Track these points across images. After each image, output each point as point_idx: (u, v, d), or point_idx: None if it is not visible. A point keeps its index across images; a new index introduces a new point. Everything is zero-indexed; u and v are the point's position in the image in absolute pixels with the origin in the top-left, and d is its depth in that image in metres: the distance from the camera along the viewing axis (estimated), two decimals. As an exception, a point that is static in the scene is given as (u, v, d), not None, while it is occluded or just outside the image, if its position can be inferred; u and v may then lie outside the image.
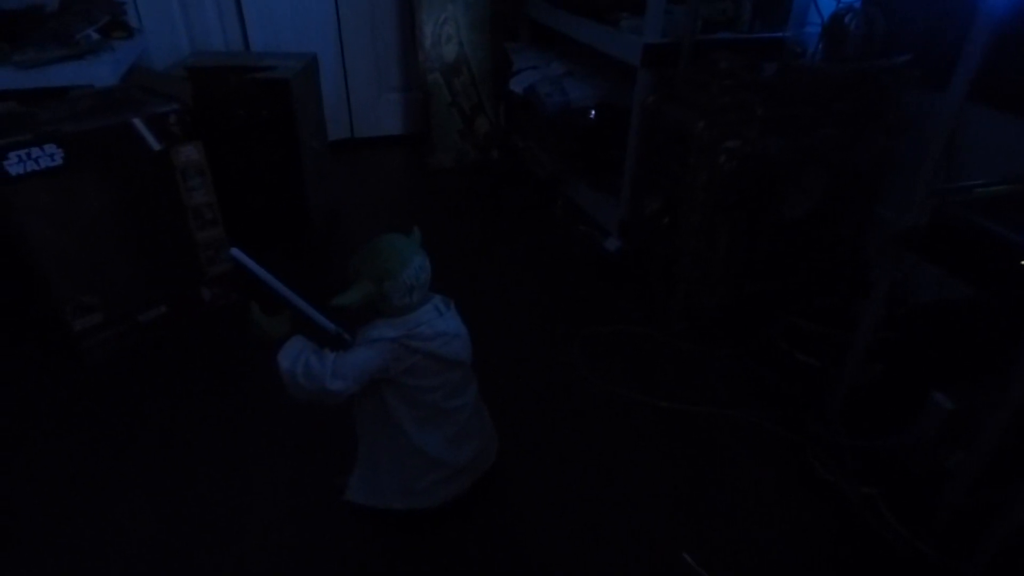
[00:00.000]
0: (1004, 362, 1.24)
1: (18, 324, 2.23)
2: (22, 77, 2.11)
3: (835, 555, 1.50)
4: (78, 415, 1.88)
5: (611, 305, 2.43)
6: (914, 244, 1.42)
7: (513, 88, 3.16)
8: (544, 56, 3.26)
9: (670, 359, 2.13)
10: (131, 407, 1.91)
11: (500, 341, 2.20)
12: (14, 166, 1.75)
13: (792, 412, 1.85)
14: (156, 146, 2.05)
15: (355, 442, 1.49)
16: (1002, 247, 1.27)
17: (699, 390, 1.99)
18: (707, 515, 1.59)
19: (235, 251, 1.21)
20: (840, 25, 2.02)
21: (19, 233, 1.86)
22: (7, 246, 1.97)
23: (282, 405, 1.79)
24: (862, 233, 2.26)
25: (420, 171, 3.68)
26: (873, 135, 2.10)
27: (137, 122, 1.99)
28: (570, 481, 1.68)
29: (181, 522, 1.55)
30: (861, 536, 1.53)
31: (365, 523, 1.50)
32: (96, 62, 2.25)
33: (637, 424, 1.87)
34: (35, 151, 1.78)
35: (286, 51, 3.20)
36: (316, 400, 1.29)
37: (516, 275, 2.63)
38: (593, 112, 2.89)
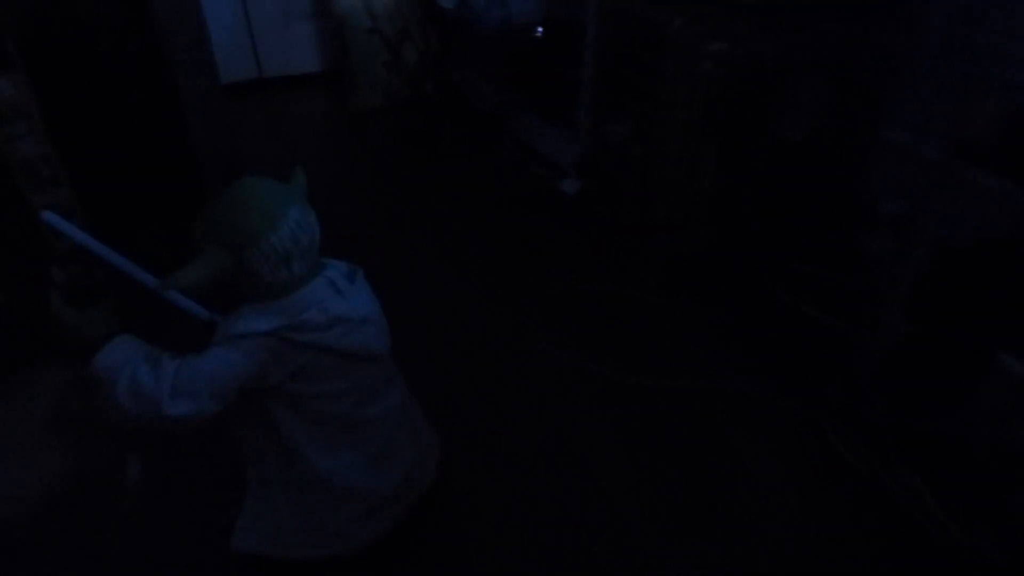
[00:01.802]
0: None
1: None
2: None
3: (871, 561, 1.21)
4: None
5: (573, 259, 2.09)
6: (982, 155, 1.04)
7: (443, 4, 2.78)
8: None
9: (648, 322, 1.80)
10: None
11: (439, 312, 1.86)
12: None
13: (805, 381, 1.52)
14: (-51, 79, 1.51)
15: (240, 470, 1.15)
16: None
17: (686, 360, 1.66)
18: (709, 521, 1.28)
19: (47, 215, 0.93)
20: None
21: None
22: None
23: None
24: (867, 158, 1.90)
25: (343, 113, 3.26)
26: (883, 31, 1.72)
27: (-91, 45, 1.44)
28: (537, 489, 1.35)
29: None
30: (903, 537, 1.23)
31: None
32: None
33: (613, 407, 1.54)
34: None
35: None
36: (157, 427, 0.95)
37: (458, 229, 2.27)
38: (540, 28, 2.54)
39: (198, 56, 2.31)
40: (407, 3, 3.09)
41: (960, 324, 1.33)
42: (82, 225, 0.97)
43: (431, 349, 1.68)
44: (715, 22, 1.56)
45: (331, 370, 1.02)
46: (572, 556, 1.23)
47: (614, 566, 1.21)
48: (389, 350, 1.12)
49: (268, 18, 3.28)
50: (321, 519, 1.11)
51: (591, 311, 1.84)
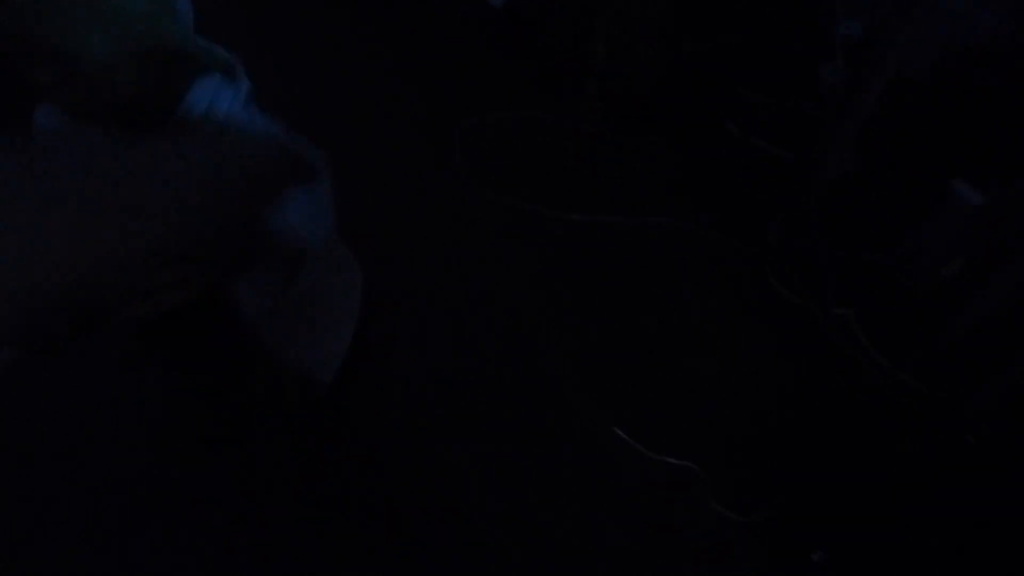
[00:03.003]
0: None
1: None
2: None
3: (801, 391, 1.20)
4: None
5: (500, 84, 1.83)
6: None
7: None
8: None
9: (583, 155, 1.63)
10: None
11: (347, 145, 1.57)
12: None
13: (748, 217, 1.43)
14: None
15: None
16: None
17: (624, 195, 1.52)
18: (644, 364, 1.22)
19: None
20: None
21: None
22: None
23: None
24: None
25: None
26: None
27: None
28: (458, 340, 1.23)
29: None
30: (834, 368, 1.22)
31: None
32: None
33: (543, 245, 1.41)
34: None
35: None
36: None
37: (365, 48, 1.93)
38: None
39: None
40: None
41: (912, 157, 1.25)
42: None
43: (341, 189, 1.47)
44: None
45: None
46: (490, 396, 1.16)
47: (534, 404, 1.16)
48: None
49: None
50: None
51: (521, 144, 1.65)
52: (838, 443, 1.13)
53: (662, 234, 1.43)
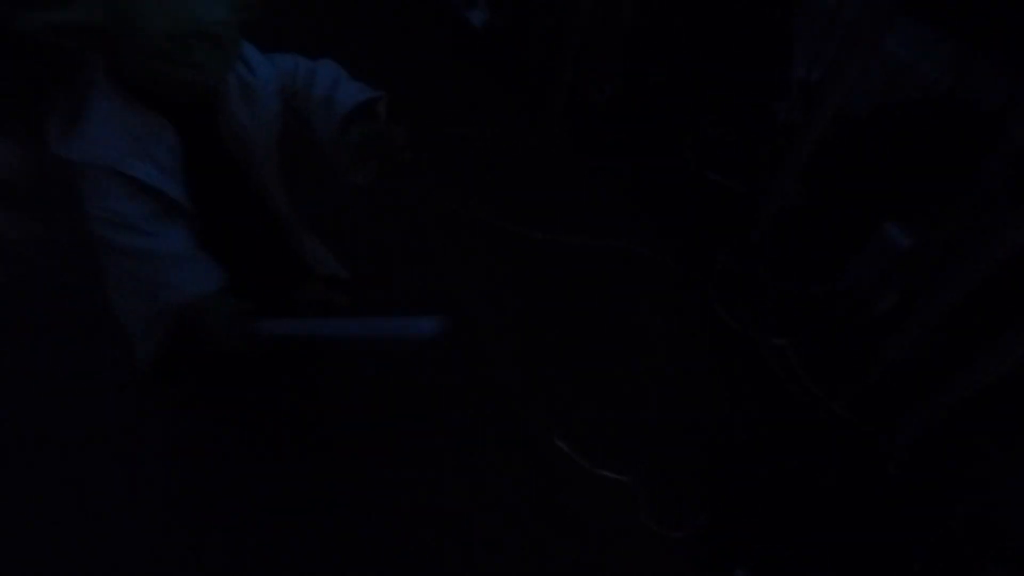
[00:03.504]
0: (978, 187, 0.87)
1: None
2: None
3: (737, 419, 1.24)
4: None
5: (474, 98, 1.89)
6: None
7: None
8: None
9: (548, 172, 1.69)
10: None
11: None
12: None
13: (700, 247, 1.48)
14: None
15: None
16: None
17: (582, 216, 1.58)
18: (587, 379, 1.26)
19: (263, 326, 0.82)
20: None
21: None
22: None
23: None
24: (789, 21, 1.77)
25: None
26: None
27: None
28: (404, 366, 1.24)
29: None
30: (769, 395, 1.27)
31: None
32: None
33: (502, 259, 1.46)
34: None
35: None
36: None
37: (350, 56, 1.90)
38: None
39: None
40: None
41: (850, 195, 1.31)
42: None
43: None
44: None
45: None
46: (438, 401, 1.19)
47: (485, 421, 1.18)
48: None
49: None
50: None
51: (488, 157, 1.69)
52: (767, 466, 1.18)
53: (615, 256, 1.47)
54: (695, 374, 1.29)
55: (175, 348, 0.90)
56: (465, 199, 1.54)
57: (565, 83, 1.66)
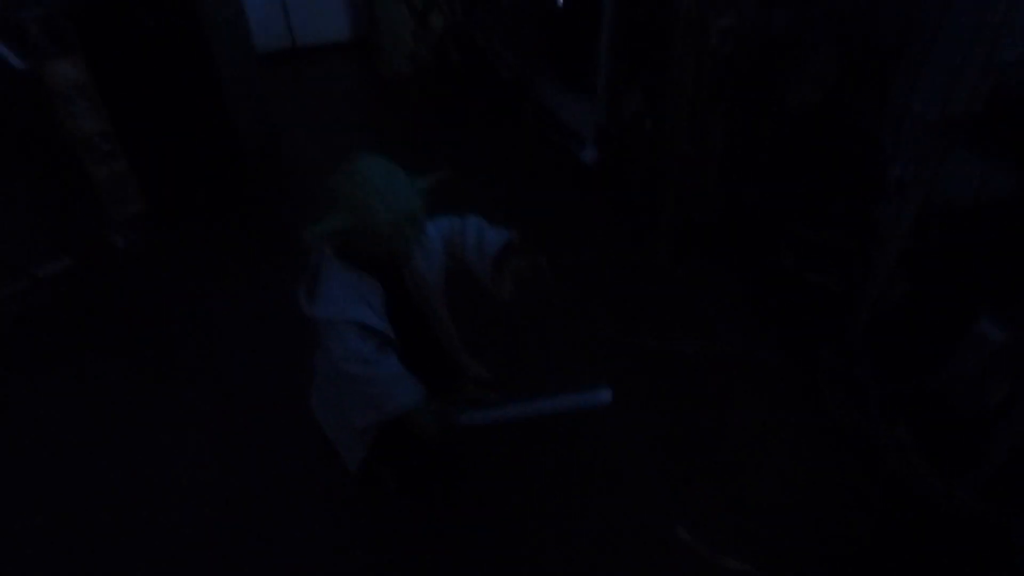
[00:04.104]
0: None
1: None
2: None
3: (858, 512, 1.29)
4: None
5: (589, 227, 2.16)
6: (963, 133, 1.10)
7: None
8: (502, -69, 2.79)
9: (657, 288, 1.87)
10: (35, 375, 1.64)
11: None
12: None
13: (804, 346, 1.59)
14: (19, 64, 1.65)
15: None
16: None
17: (692, 325, 1.74)
18: (706, 474, 1.37)
19: (464, 416, 1.13)
20: None
21: None
22: None
23: (212, 369, 1.56)
24: (882, 124, 1.91)
25: (372, 80, 3.32)
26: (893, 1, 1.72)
27: (-18, 33, 1.59)
28: (539, 448, 1.44)
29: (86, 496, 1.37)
30: (888, 488, 1.31)
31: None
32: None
33: (621, 369, 1.63)
34: None
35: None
36: None
37: (482, 199, 2.31)
38: (561, -2, 2.50)
39: (236, 31, 2.41)
40: (433, -29, 3.11)
41: (947, 286, 1.39)
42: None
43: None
44: (726, -4, 1.58)
45: None
46: (569, 515, 1.32)
47: (608, 504, 1.33)
48: None
49: (300, -12, 3.35)
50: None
51: (603, 277, 1.92)
52: (894, 558, 1.21)
53: (724, 359, 1.61)
54: (810, 468, 1.36)
55: (377, 454, 1.20)
56: (583, 312, 1.77)
57: (667, 210, 1.90)
